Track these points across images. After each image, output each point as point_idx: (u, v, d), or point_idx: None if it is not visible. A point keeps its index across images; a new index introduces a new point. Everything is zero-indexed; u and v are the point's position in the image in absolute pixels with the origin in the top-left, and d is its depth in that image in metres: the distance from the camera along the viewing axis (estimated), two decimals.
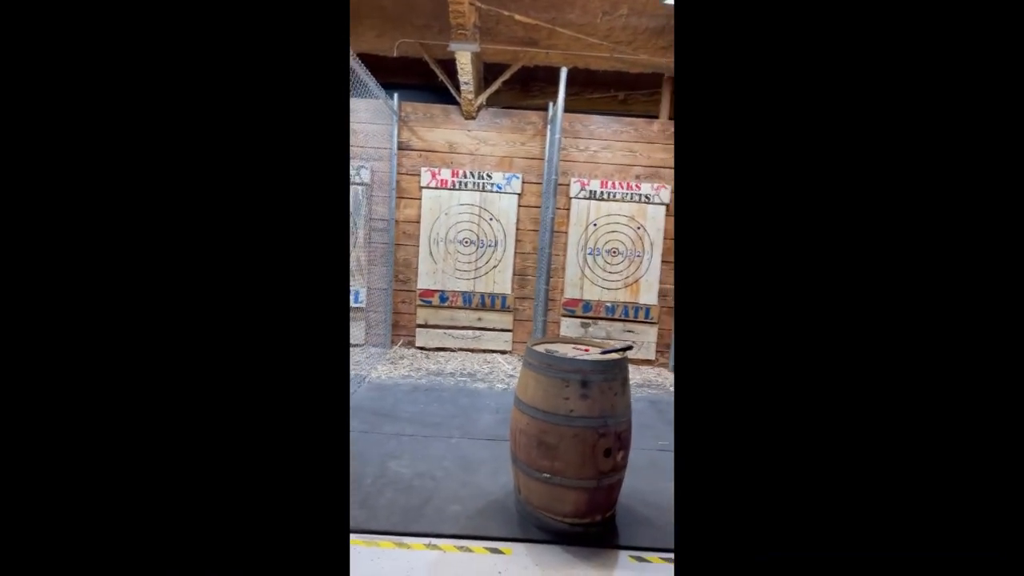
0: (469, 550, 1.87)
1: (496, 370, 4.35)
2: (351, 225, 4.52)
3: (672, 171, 4.62)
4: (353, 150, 4.41)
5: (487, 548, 1.88)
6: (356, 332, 4.66)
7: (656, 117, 4.73)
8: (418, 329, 4.77)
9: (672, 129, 4.61)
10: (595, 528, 1.99)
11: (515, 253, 4.71)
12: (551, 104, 4.28)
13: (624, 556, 1.89)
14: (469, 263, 4.70)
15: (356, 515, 2.01)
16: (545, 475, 1.94)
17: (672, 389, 4.15)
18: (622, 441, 1.98)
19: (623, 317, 4.73)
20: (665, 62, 4.35)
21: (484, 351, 4.79)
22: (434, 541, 1.90)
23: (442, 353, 4.70)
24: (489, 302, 4.73)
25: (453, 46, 3.45)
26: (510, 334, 4.81)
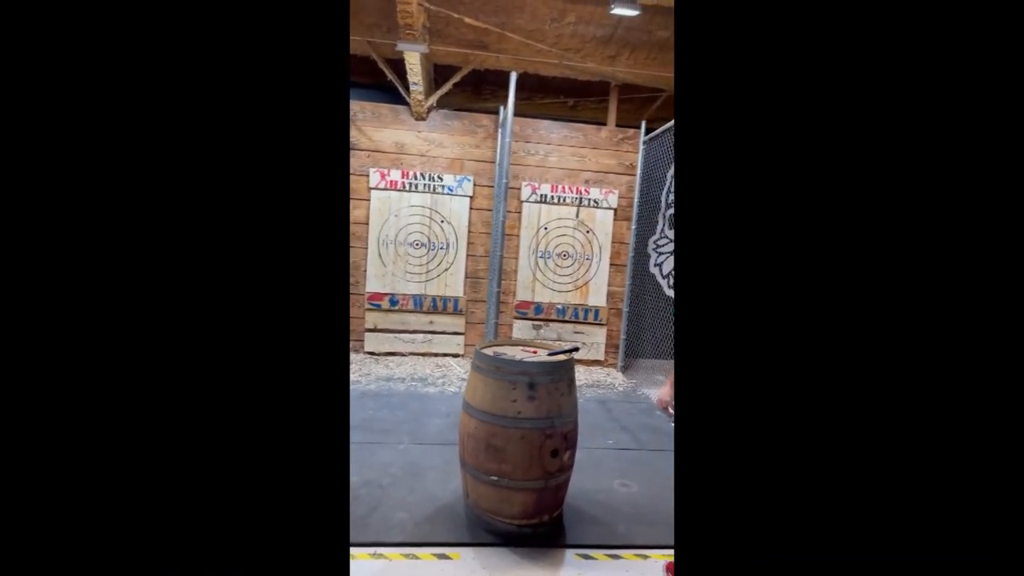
0: (416, 557, 1.84)
1: (448, 374, 4.32)
2: None
3: (619, 176, 4.76)
4: None
5: (434, 554, 1.86)
6: None
7: (604, 124, 4.86)
8: (367, 333, 4.65)
9: (620, 136, 4.75)
10: (543, 528, 2.01)
11: (467, 256, 4.70)
12: (502, 108, 4.31)
13: (570, 555, 1.93)
14: (420, 265, 4.64)
15: None
16: (493, 477, 1.95)
17: (620, 389, 4.27)
18: (568, 441, 2.01)
19: (573, 319, 4.82)
20: (611, 70, 4.48)
21: (436, 355, 4.74)
22: (379, 550, 1.86)
23: (392, 358, 4.61)
24: (441, 305, 4.68)
25: (401, 46, 3.40)
26: (462, 337, 4.79)
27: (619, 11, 3.46)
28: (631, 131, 4.74)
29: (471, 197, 4.62)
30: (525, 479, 1.93)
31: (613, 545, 1.99)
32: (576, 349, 2.25)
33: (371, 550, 1.85)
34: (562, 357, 2.08)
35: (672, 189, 4.26)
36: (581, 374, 4.51)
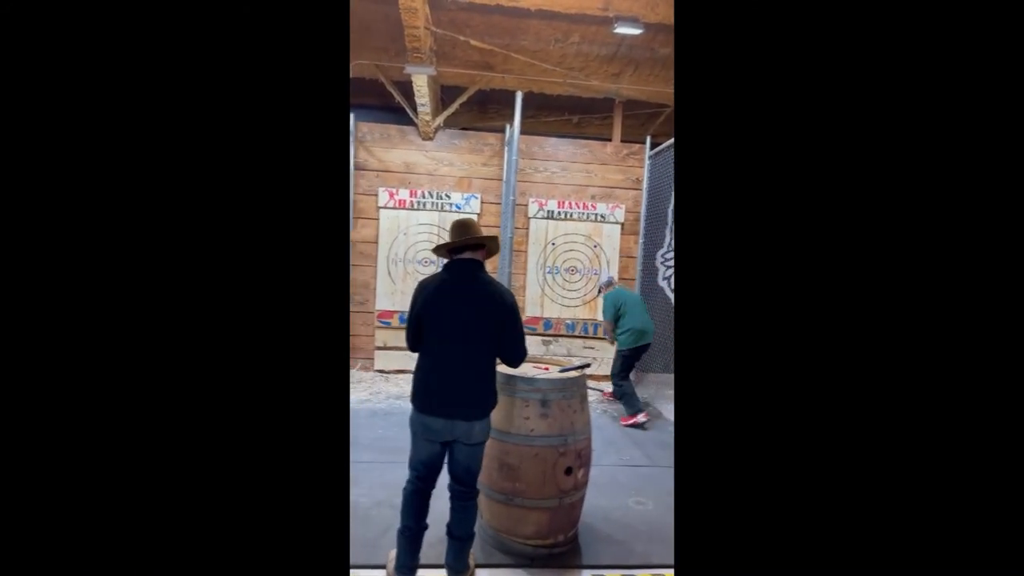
0: None
1: None
2: None
3: (626, 191, 4.78)
4: None
5: None
6: None
7: (609, 140, 4.90)
8: (377, 351, 4.66)
9: (625, 151, 4.79)
10: (558, 548, 1.98)
11: None
12: (508, 126, 4.37)
13: (587, 575, 1.89)
14: None
15: None
16: (507, 496, 1.92)
17: None
18: (582, 459, 1.99)
19: (583, 334, 4.80)
20: (615, 88, 4.54)
21: None
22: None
23: (403, 375, 4.60)
24: None
25: (409, 69, 3.48)
26: None
27: (622, 30, 3.52)
28: (636, 146, 4.77)
29: (478, 214, 4.66)
30: (539, 497, 1.91)
31: (630, 565, 1.95)
32: (588, 365, 2.24)
33: (383, 572, 1.83)
34: (574, 373, 2.07)
35: None
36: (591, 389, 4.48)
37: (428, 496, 1.78)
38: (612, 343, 3.95)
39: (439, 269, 1.84)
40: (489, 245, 1.82)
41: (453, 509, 1.77)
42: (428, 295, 1.71)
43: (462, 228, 1.78)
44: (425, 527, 1.78)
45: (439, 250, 1.83)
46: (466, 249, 1.77)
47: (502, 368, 2.11)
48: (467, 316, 1.68)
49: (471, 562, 1.83)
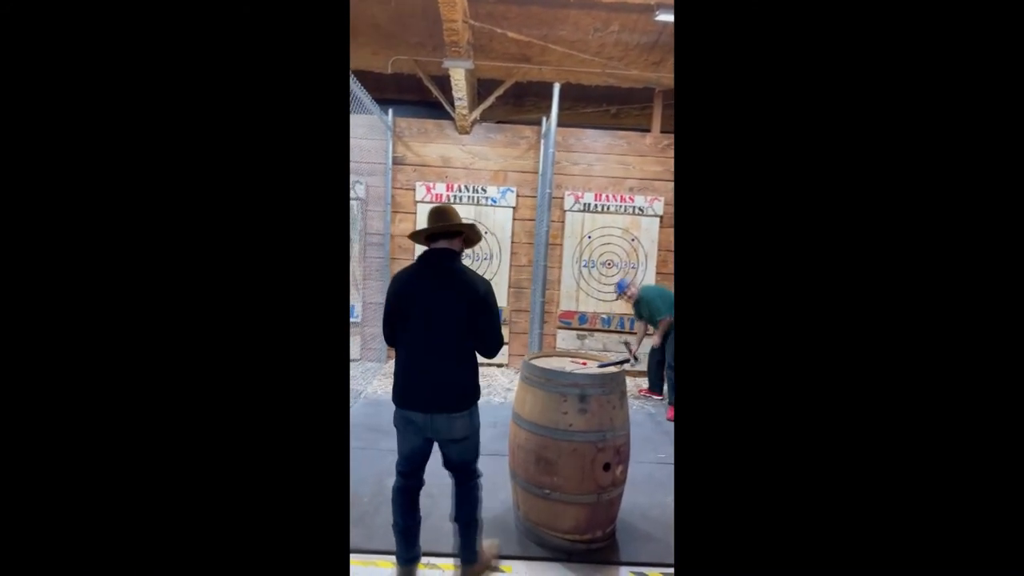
0: None
1: (493, 384, 4.33)
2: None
3: (665, 183, 4.66)
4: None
5: None
6: (352, 347, 4.63)
7: (648, 130, 4.79)
8: None
9: (665, 142, 4.66)
10: (596, 544, 1.97)
11: (510, 266, 4.72)
12: (544, 119, 4.33)
13: (625, 572, 1.87)
14: None
15: (353, 535, 1.98)
16: (545, 491, 1.93)
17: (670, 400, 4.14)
18: (621, 455, 1.97)
19: (619, 328, 4.73)
20: (656, 77, 4.42)
21: (480, 365, 4.77)
22: (432, 560, 1.87)
23: None
24: None
25: (447, 63, 3.49)
26: (506, 347, 4.80)
27: (664, 18, 3.42)
28: None
29: (514, 208, 4.66)
30: (577, 493, 1.90)
31: (670, 564, 1.92)
32: (627, 360, 2.21)
33: (424, 559, 1.87)
34: (613, 369, 2.05)
35: None
36: (628, 385, 4.42)
37: (416, 493, 1.76)
38: (665, 332, 3.89)
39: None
40: (467, 233, 1.74)
41: (454, 494, 1.76)
42: (400, 286, 1.66)
43: (438, 215, 1.70)
44: (418, 521, 1.76)
45: (416, 236, 1.73)
46: (442, 238, 1.69)
47: (539, 362, 2.10)
48: (439, 306, 1.61)
49: (484, 551, 1.83)
